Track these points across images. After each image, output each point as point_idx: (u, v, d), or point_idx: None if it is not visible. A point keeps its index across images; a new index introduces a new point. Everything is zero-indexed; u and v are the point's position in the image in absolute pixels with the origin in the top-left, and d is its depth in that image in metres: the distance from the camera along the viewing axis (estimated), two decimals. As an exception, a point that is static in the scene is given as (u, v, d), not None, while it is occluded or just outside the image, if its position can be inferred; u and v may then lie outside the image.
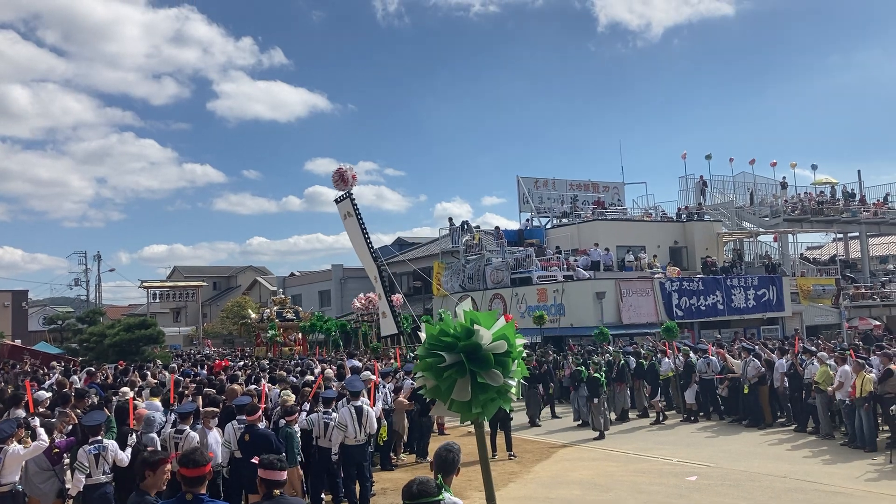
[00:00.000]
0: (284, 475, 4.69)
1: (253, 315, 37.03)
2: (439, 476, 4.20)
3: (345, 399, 10.79)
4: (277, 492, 4.61)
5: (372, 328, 29.34)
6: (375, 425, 10.60)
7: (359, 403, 10.31)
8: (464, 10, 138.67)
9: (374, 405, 10.99)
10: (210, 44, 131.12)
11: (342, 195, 20.54)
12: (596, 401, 15.35)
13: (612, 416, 16.93)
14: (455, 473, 4.67)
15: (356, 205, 20.50)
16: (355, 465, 10.25)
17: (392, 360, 19.48)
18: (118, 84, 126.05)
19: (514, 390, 4.37)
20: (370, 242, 20.86)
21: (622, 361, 17.51)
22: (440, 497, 4.04)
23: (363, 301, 30.58)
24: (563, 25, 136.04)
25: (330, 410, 10.36)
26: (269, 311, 34.44)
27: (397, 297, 25.88)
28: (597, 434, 15.34)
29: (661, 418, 17.20)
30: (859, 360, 13.45)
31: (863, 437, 13.07)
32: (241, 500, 9.43)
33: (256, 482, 4.76)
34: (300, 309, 35.94)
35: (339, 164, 20.78)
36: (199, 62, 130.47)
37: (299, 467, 9.63)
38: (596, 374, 15.53)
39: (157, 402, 11.48)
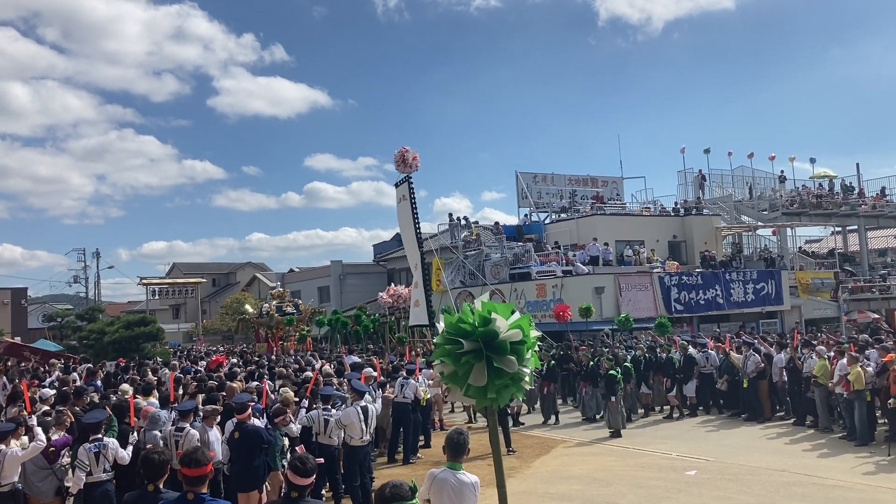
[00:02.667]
0: (310, 480, 4.64)
1: (251, 310, 36.06)
2: (413, 481, 4.24)
3: (344, 399, 10.78)
4: (295, 494, 4.62)
5: (398, 322, 28.27)
6: (375, 423, 10.56)
7: (363, 403, 10.21)
8: (464, 5, 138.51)
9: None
10: (211, 40, 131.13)
11: (402, 178, 19.46)
12: (613, 399, 14.94)
13: (640, 411, 17.19)
14: (465, 454, 5.21)
15: (413, 189, 19.49)
16: (358, 463, 10.13)
17: (414, 355, 19.44)
18: (119, 81, 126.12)
19: (527, 378, 4.67)
20: (419, 229, 19.89)
21: (648, 356, 17.34)
22: (413, 501, 4.08)
23: (392, 294, 29.30)
24: (563, 20, 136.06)
25: (329, 407, 10.35)
26: (267, 305, 33.48)
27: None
28: (612, 432, 14.94)
29: (673, 413, 17.07)
30: (853, 354, 13.48)
31: (859, 430, 13.07)
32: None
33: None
34: (300, 302, 35.11)
35: (402, 147, 19.83)
36: (200, 59, 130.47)
37: (282, 472, 9.50)
38: (612, 371, 15.22)
39: (151, 399, 11.46)
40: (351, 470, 10.10)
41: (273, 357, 23.59)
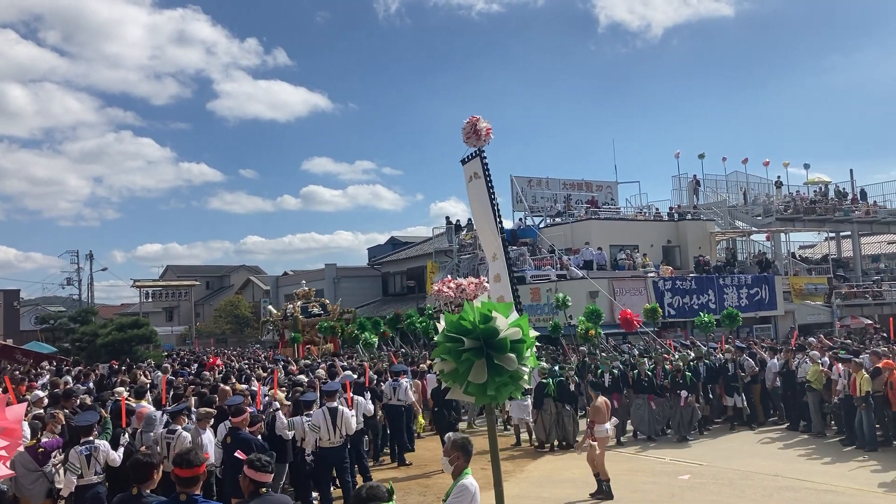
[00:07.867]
0: (270, 478, 4.84)
1: (275, 312, 34.32)
2: (391, 483, 4.21)
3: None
4: (264, 490, 4.83)
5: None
6: (353, 426, 10.31)
7: (334, 405, 10.04)
8: (465, 10, 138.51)
9: (351, 406, 10.85)
10: (214, 45, 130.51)
11: (471, 154, 16.38)
12: (568, 408, 14.54)
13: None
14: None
15: (487, 165, 16.04)
16: (329, 467, 10.08)
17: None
18: (119, 84, 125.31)
19: (526, 377, 4.74)
20: (498, 210, 16.45)
21: (684, 365, 15.36)
22: (390, 503, 4.06)
23: (453, 287, 22.57)
24: (564, 25, 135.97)
25: (311, 412, 10.29)
26: (291, 306, 31.50)
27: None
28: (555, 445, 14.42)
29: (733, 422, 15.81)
30: (857, 361, 13.48)
31: (863, 437, 13.04)
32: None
33: (240, 480, 4.94)
34: (327, 302, 33.05)
35: (472, 116, 16.13)
36: (202, 63, 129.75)
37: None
38: (543, 380, 14.64)
39: (143, 402, 11.39)
40: (322, 473, 10.07)
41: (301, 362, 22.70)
